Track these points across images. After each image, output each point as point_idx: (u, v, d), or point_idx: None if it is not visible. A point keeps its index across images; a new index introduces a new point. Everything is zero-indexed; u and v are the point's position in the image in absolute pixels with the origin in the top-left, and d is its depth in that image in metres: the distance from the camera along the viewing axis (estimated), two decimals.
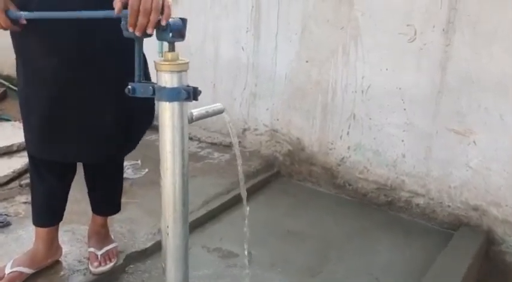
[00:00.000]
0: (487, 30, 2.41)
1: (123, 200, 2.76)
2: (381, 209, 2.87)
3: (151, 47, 1.75)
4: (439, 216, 2.71)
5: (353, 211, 2.84)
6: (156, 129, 4.15)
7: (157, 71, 1.31)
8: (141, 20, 1.25)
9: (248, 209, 1.89)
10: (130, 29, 1.27)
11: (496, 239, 2.53)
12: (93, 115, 1.77)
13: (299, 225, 2.66)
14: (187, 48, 3.54)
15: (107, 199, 2.17)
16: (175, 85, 1.31)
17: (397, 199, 2.84)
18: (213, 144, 3.57)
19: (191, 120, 1.40)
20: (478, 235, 2.53)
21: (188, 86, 1.33)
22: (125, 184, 3.02)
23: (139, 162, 3.17)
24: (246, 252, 2.01)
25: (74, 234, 2.38)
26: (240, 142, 3.45)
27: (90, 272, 2.10)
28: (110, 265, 2.13)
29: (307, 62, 3.05)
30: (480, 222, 2.58)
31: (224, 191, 2.91)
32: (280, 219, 2.73)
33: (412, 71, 2.68)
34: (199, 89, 1.33)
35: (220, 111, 1.53)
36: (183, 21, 1.31)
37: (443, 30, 2.54)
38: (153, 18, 1.25)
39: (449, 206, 2.69)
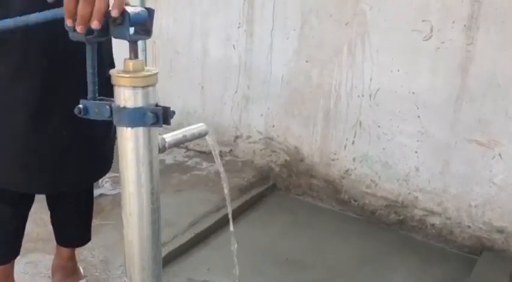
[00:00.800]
0: None
1: (96, 221, 2.40)
2: (391, 228, 2.54)
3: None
4: (457, 238, 2.39)
5: (360, 231, 2.51)
6: None
7: (114, 85, 0.96)
8: (82, 9, 0.87)
9: (236, 246, 1.55)
10: (68, 23, 0.91)
11: None
12: (64, 139, 1.47)
13: (299, 250, 2.33)
14: (172, 46, 3.19)
15: (74, 229, 1.82)
16: (139, 105, 0.96)
17: (409, 218, 2.51)
18: (201, 152, 3.22)
19: (163, 149, 1.06)
20: (505, 261, 2.21)
21: (157, 105, 0.98)
22: (102, 201, 2.70)
23: (118, 175, 2.81)
24: None
25: (37, 266, 2.03)
26: (231, 151, 3.11)
27: None
28: None
29: (307, 62, 2.70)
30: (506, 246, 2.26)
31: (214, 208, 2.57)
32: (277, 242, 2.39)
33: (427, 73, 2.34)
34: (172, 109, 0.97)
35: (203, 134, 1.18)
36: (149, 11, 0.95)
37: (464, 26, 2.20)
38: (98, 6, 0.87)
39: (469, 227, 2.36)
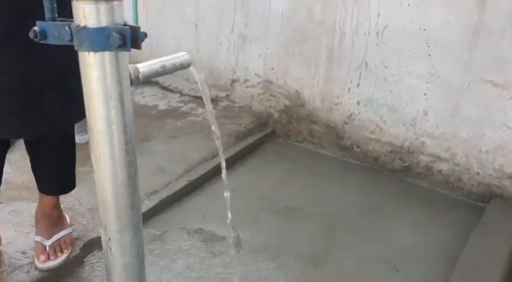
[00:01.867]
0: None
1: (83, 168, 2.27)
2: (395, 175, 2.42)
3: None
4: (465, 185, 2.26)
5: (362, 179, 2.39)
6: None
7: (71, 0, 0.79)
8: None
9: (229, 195, 1.43)
10: None
11: None
12: (25, 77, 1.32)
13: (298, 198, 2.21)
14: None
15: (55, 175, 1.69)
16: (102, 24, 0.79)
17: (415, 164, 2.38)
18: (197, 97, 3.05)
19: (136, 80, 0.89)
20: None
21: (125, 24, 0.81)
22: (87, 146, 2.57)
23: None
24: (231, 250, 1.56)
25: (21, 215, 1.92)
26: (228, 96, 2.94)
27: (36, 267, 1.66)
28: (61, 258, 1.69)
29: None
30: None
31: (209, 155, 2.44)
32: (275, 191, 2.27)
33: (441, 7, 2.13)
34: (143, 31, 0.80)
35: (185, 65, 1.01)
36: None
37: None
38: None
39: (478, 174, 2.23)
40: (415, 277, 1.77)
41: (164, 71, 0.97)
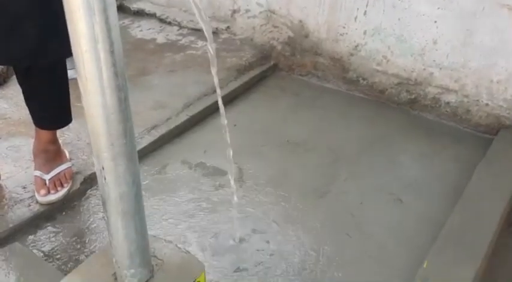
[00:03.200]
0: None
1: (79, 104, 2.24)
2: (401, 108, 2.35)
3: None
4: (474, 117, 2.20)
5: (367, 112, 2.32)
6: (127, 12, 3.35)
7: None
8: None
9: (226, 122, 1.38)
10: None
11: None
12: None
13: (301, 132, 2.17)
14: None
15: (48, 108, 1.64)
16: None
17: (422, 96, 2.30)
18: (196, 30, 2.93)
19: None
20: None
21: None
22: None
23: None
24: (232, 184, 1.54)
25: (19, 151, 1.90)
26: (228, 27, 2.81)
27: (37, 201, 1.65)
28: (61, 192, 1.68)
29: None
30: None
31: (209, 90, 2.37)
32: (278, 125, 2.22)
33: None
34: None
35: None
36: None
37: None
38: None
39: (487, 105, 2.16)
40: (419, 208, 1.76)
41: None
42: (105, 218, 1.00)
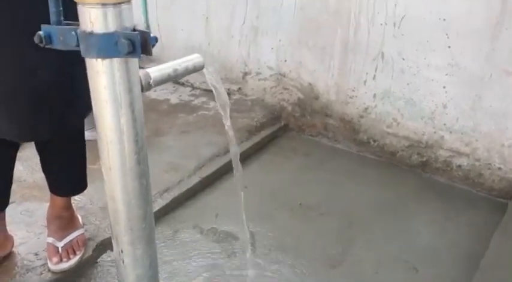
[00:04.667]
0: None
1: (94, 166, 2.24)
2: (412, 171, 2.35)
3: None
4: (486, 181, 2.19)
5: (379, 174, 2.33)
6: None
7: (77, 3, 0.74)
8: None
9: (243, 194, 1.38)
10: None
11: None
12: (22, 76, 1.29)
13: (313, 195, 2.16)
14: None
15: (65, 176, 1.66)
16: (110, 29, 0.74)
17: (433, 159, 2.31)
18: (208, 91, 2.99)
19: (147, 86, 0.84)
20: None
21: (134, 30, 0.76)
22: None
23: None
24: (247, 255, 1.52)
25: (33, 216, 1.90)
26: (239, 89, 2.88)
27: (49, 269, 1.63)
28: (74, 260, 1.67)
29: None
30: None
31: (221, 151, 2.39)
32: (289, 187, 2.22)
33: None
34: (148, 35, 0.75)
35: (198, 68, 0.96)
36: None
37: None
38: None
39: (500, 169, 2.16)
40: (435, 278, 1.72)
41: (176, 76, 0.92)
42: None
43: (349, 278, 1.71)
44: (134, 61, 0.79)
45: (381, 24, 2.27)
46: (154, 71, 0.86)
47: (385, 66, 2.33)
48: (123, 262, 0.93)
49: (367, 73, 2.40)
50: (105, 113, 0.80)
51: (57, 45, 0.80)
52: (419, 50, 2.21)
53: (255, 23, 2.69)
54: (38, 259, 1.68)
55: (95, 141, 2.28)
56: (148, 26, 3.04)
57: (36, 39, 0.80)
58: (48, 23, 0.80)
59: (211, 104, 2.87)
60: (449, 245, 1.88)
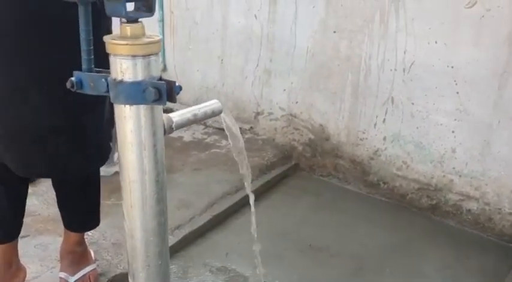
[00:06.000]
0: None
1: (108, 201, 2.29)
2: (422, 214, 2.36)
3: None
4: (497, 226, 2.19)
5: (389, 217, 2.34)
6: None
7: (109, 54, 0.81)
8: None
9: (256, 236, 1.41)
10: None
11: None
12: (46, 119, 1.34)
13: (323, 236, 2.17)
14: (191, 16, 3.00)
15: (79, 212, 1.70)
16: (138, 78, 0.80)
17: (443, 203, 2.32)
18: (221, 129, 3.06)
19: (169, 130, 0.90)
20: None
21: (161, 79, 0.82)
22: (116, 179, 2.58)
23: None
24: None
25: (46, 249, 1.93)
26: (251, 128, 2.94)
27: None
28: None
29: (334, 32, 2.49)
30: None
31: (232, 189, 2.43)
32: (299, 227, 2.24)
33: (469, 45, 2.11)
34: (179, 84, 0.81)
35: (216, 112, 1.02)
36: None
37: None
38: None
39: (510, 214, 2.17)
40: None
41: (196, 119, 0.98)
42: None
43: None
44: (159, 107, 0.85)
45: (391, 70, 2.35)
46: (176, 116, 0.92)
47: (394, 110, 2.39)
48: None
49: (377, 116, 2.45)
50: (130, 154, 0.85)
51: (88, 91, 0.87)
52: (428, 95, 2.27)
53: (268, 66, 2.79)
54: None
55: (108, 177, 2.37)
56: (165, 67, 3.15)
57: (68, 85, 0.87)
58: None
59: (223, 142, 2.93)
60: None
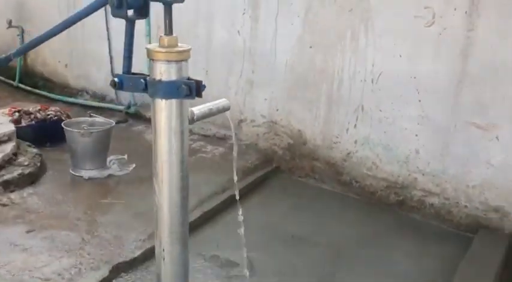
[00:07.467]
0: None
1: (107, 200, 2.48)
2: (391, 209, 2.64)
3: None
4: (455, 217, 2.49)
5: (361, 212, 2.60)
6: (142, 119, 3.78)
7: (150, 59, 1.03)
8: None
9: (242, 218, 1.63)
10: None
11: None
12: None
13: (304, 229, 2.41)
14: (176, 31, 3.22)
15: None
16: (173, 78, 1.03)
17: (409, 198, 2.60)
18: (206, 136, 3.29)
19: (192, 121, 1.13)
20: (500, 240, 2.32)
21: (190, 79, 1.05)
22: (110, 181, 2.76)
23: (125, 156, 2.89)
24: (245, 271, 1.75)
25: (53, 241, 2.10)
26: (235, 134, 3.17)
27: None
28: None
29: (311, 47, 2.77)
30: (501, 225, 2.37)
31: (219, 189, 2.65)
32: (282, 222, 2.47)
33: (429, 59, 2.42)
34: (204, 83, 1.04)
35: (226, 109, 1.25)
36: None
37: (465, 13, 2.28)
38: None
39: (466, 207, 2.46)
40: None
41: (211, 113, 1.21)
42: None
43: None
44: (187, 102, 1.07)
45: (361, 80, 2.64)
46: (197, 109, 1.15)
47: (364, 117, 2.67)
48: (163, 259, 1.17)
49: (349, 122, 2.73)
50: (163, 139, 1.08)
51: (127, 89, 1.09)
52: (394, 103, 2.56)
53: (250, 77, 3.04)
54: (62, 279, 1.87)
55: (102, 179, 2.59)
56: None
57: (111, 84, 1.09)
58: None
59: (209, 147, 3.16)
60: (423, 273, 2.14)
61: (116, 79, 1.08)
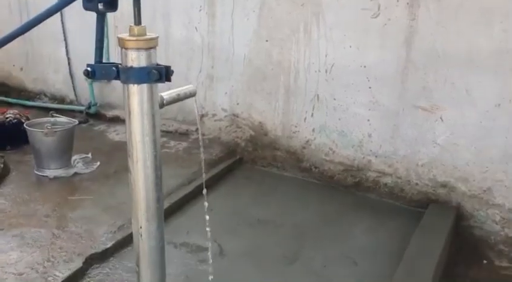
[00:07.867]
0: (452, 3, 2.36)
1: (75, 197, 2.52)
2: (348, 190, 2.81)
3: None
4: (407, 194, 2.68)
5: (321, 194, 2.76)
6: (103, 118, 3.83)
7: (121, 48, 1.12)
8: None
9: (206, 204, 1.73)
10: None
11: (465, 214, 2.53)
12: None
13: (269, 213, 2.54)
14: None
15: None
16: (143, 64, 1.12)
17: (364, 180, 2.78)
18: (168, 132, 3.36)
19: (162, 105, 1.22)
20: (448, 212, 2.53)
21: (158, 64, 1.15)
22: (76, 180, 2.79)
23: (89, 155, 2.92)
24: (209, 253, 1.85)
25: (24, 238, 2.13)
26: (197, 129, 3.27)
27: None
28: None
29: (267, 41, 2.90)
30: (449, 198, 2.57)
31: (185, 181, 2.73)
32: (248, 208, 2.59)
33: (376, 48, 2.61)
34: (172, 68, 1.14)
35: (192, 94, 1.35)
36: None
37: (407, 4, 2.48)
38: None
39: (417, 184, 2.66)
40: (370, 268, 2.13)
41: (179, 98, 1.31)
42: (137, 270, 1.30)
43: (303, 272, 2.08)
44: (156, 86, 1.17)
45: (315, 71, 2.79)
46: (166, 94, 1.25)
47: (320, 106, 2.83)
48: (141, 236, 1.26)
49: (306, 112, 2.88)
50: (136, 121, 1.17)
51: (99, 77, 1.17)
52: (347, 91, 2.73)
53: (210, 72, 3.14)
54: (34, 271, 1.91)
55: (68, 178, 2.65)
56: None
57: (84, 73, 1.17)
58: None
59: (172, 143, 3.23)
60: (381, 245, 2.31)
61: (88, 68, 1.16)
